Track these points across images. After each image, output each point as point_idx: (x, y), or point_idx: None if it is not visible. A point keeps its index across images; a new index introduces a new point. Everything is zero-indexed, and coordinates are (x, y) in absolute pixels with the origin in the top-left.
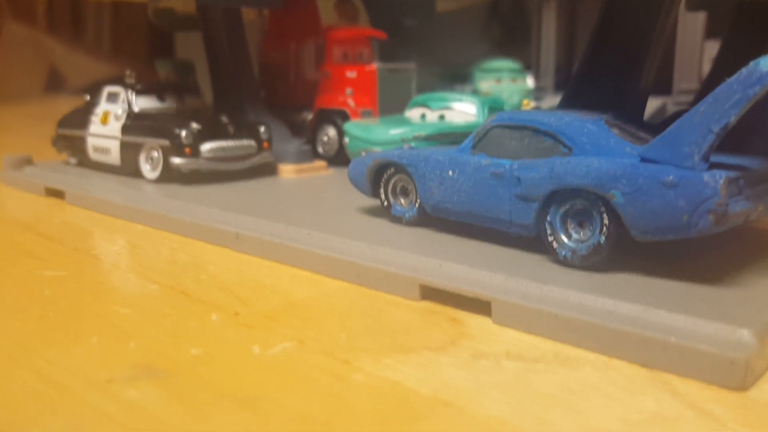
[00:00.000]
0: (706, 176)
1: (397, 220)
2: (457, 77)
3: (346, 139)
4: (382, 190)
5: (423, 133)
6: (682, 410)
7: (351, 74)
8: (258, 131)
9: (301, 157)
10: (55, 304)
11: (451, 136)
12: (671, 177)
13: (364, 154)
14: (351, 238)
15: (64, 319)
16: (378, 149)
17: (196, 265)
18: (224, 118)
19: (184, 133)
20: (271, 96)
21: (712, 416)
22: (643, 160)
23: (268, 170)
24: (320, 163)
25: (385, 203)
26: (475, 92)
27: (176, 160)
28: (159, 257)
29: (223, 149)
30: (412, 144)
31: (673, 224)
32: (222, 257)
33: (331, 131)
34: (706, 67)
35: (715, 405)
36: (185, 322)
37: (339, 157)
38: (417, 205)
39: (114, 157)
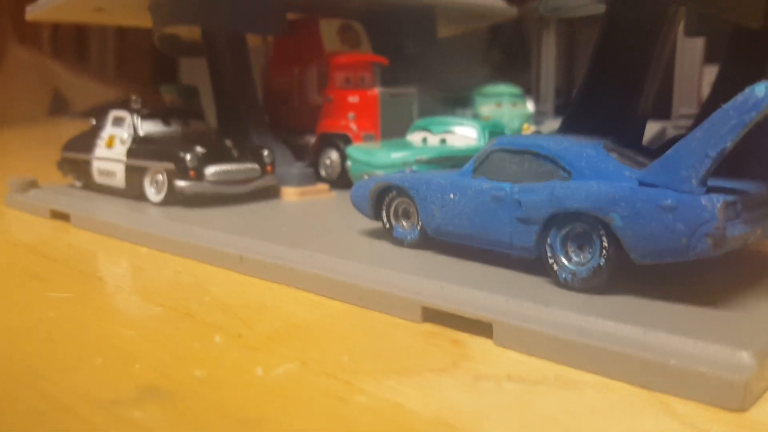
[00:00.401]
0: (704, 200)
1: (398, 242)
2: (458, 102)
3: (349, 163)
4: (384, 213)
5: (424, 156)
6: (681, 431)
7: (353, 99)
8: (261, 155)
9: (303, 180)
10: (60, 325)
11: (452, 160)
12: (669, 201)
13: (366, 177)
14: (353, 260)
15: (68, 341)
16: (380, 172)
17: (199, 287)
18: (228, 142)
19: (188, 156)
20: (274, 120)
21: None
22: (642, 184)
23: (271, 193)
24: (323, 186)
25: (387, 226)
26: (476, 116)
27: (181, 183)
28: (163, 279)
29: (227, 172)
30: (414, 167)
31: (672, 247)
32: (225, 279)
33: (334, 155)
34: (706, 92)
35: (714, 426)
36: (189, 343)
37: (341, 181)
38: (419, 227)
39: (119, 180)
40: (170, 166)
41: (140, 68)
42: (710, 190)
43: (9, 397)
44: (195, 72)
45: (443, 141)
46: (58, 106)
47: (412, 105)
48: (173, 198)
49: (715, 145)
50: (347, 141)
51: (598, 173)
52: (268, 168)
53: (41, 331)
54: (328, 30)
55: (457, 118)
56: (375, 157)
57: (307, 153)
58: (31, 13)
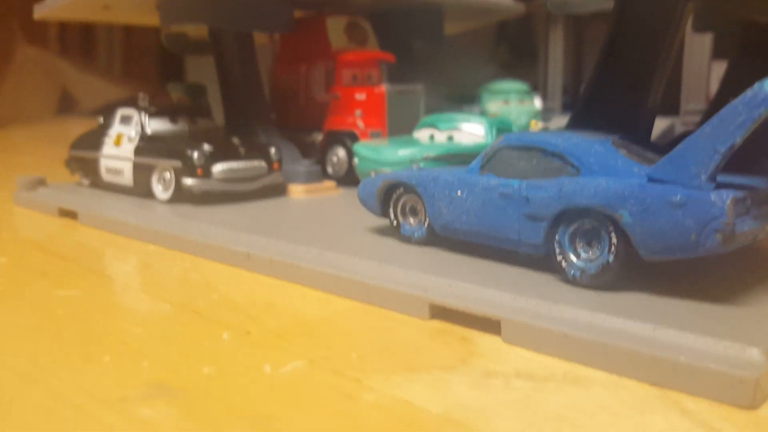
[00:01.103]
0: (713, 196)
1: (406, 239)
2: (465, 99)
3: (356, 160)
4: (391, 210)
5: (432, 153)
6: (691, 429)
7: (360, 96)
8: (268, 152)
9: (310, 178)
10: (69, 323)
11: (460, 157)
12: (679, 197)
13: (373, 174)
14: (361, 257)
15: (77, 339)
16: (387, 170)
17: (207, 285)
18: (235, 140)
19: (196, 154)
20: (281, 118)
21: None
22: (651, 180)
23: (278, 191)
24: (330, 184)
25: (395, 223)
26: (483, 113)
27: (188, 181)
28: (171, 277)
29: (234, 170)
30: (421, 164)
31: (681, 244)
32: (233, 277)
33: (341, 152)
34: (714, 88)
35: (724, 424)
36: (197, 341)
37: (348, 178)
38: (426, 224)
39: (127, 178)
40: (178, 164)
41: (147, 67)
42: (719, 185)
43: (18, 395)
44: (202, 70)
45: (450, 138)
46: (66, 105)
47: (419, 102)
48: (181, 196)
49: (725, 141)
50: (354, 138)
51: (606, 170)
52: (275, 165)
53: (50, 329)
54: (335, 27)
55: (464, 114)
56: (382, 155)
57: (314, 150)
58: (39, 12)
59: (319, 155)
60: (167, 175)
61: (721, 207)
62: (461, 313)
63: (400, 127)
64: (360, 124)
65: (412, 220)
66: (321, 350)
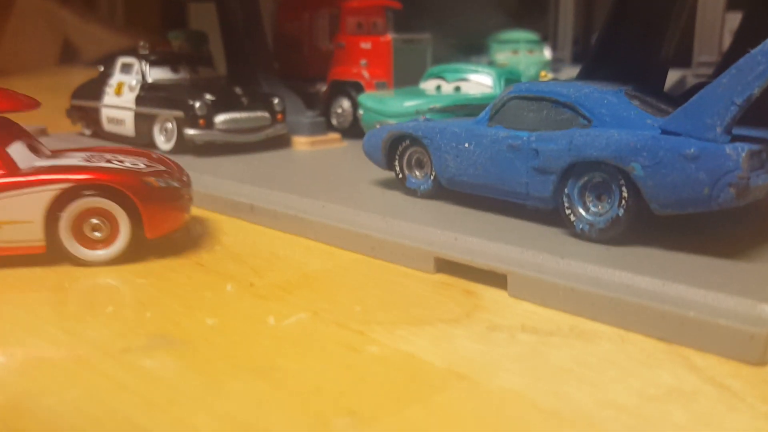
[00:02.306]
0: (728, 149)
1: (412, 192)
2: (472, 48)
3: (361, 111)
4: (397, 163)
5: (438, 105)
6: (700, 385)
7: (365, 45)
8: (272, 103)
9: (315, 130)
10: (71, 274)
11: (467, 108)
12: (692, 149)
13: (378, 126)
14: (365, 210)
15: (79, 289)
16: (393, 121)
17: (210, 237)
18: (238, 90)
19: (198, 104)
20: (284, 67)
21: (731, 391)
22: (664, 132)
23: (281, 142)
24: (334, 136)
25: (400, 176)
26: (491, 64)
27: (190, 132)
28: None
29: (237, 121)
30: (428, 116)
31: (694, 197)
32: (236, 229)
33: (345, 103)
34: (727, 40)
35: (733, 380)
36: (200, 292)
37: (353, 130)
38: (432, 177)
39: (128, 128)
40: (180, 114)
41: (150, 15)
42: (735, 138)
43: (20, 347)
44: (204, 18)
45: (458, 89)
46: (68, 55)
47: (425, 52)
48: (183, 146)
49: (742, 92)
50: (359, 89)
51: (619, 121)
52: (279, 116)
53: (52, 280)
54: None
55: (472, 65)
56: (388, 106)
57: (318, 101)
58: None
59: (323, 106)
60: (169, 125)
61: (736, 160)
62: (466, 267)
63: (407, 78)
64: (365, 74)
65: (417, 172)
66: (325, 303)
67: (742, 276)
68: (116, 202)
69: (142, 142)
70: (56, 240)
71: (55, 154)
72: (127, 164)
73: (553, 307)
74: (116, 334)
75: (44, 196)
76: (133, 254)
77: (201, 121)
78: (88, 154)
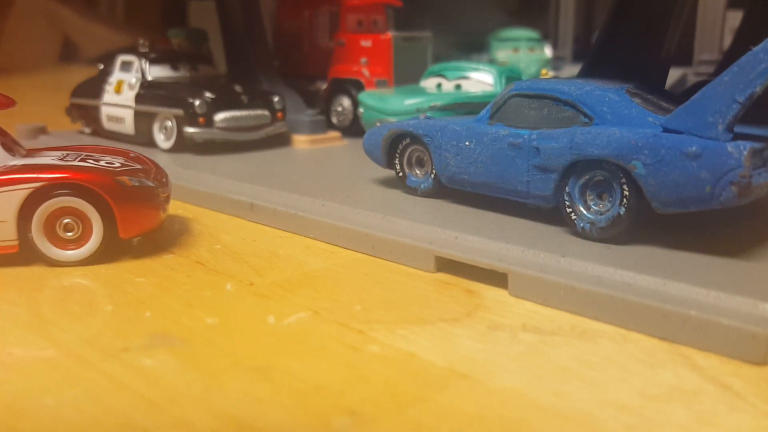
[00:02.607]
0: (730, 147)
1: (412, 191)
2: (473, 46)
3: (361, 110)
4: (397, 161)
5: (439, 103)
6: (701, 384)
7: (366, 43)
8: (272, 101)
9: (315, 128)
10: (71, 272)
11: (468, 106)
12: (694, 147)
13: (378, 124)
14: (366, 209)
15: (79, 288)
16: (393, 119)
17: (210, 235)
18: (238, 88)
19: (197, 102)
20: (284, 65)
21: (732, 390)
22: (666, 130)
23: (281, 140)
24: (334, 134)
25: (401, 174)
26: (492, 62)
27: (190, 130)
28: (174, 227)
29: (236, 119)
30: (428, 114)
31: (696, 196)
32: (236, 227)
33: (346, 101)
34: (727, 38)
35: (735, 379)
36: (201, 291)
37: (353, 128)
38: (433, 176)
39: (128, 126)
40: (179, 112)
41: (149, 13)
42: (737, 136)
43: (19, 345)
44: (204, 17)
45: (458, 87)
46: (68, 53)
47: (426, 50)
48: (183, 144)
49: (744, 90)
50: (359, 87)
51: (620, 119)
52: (279, 115)
53: (51, 278)
54: None
55: (472, 63)
56: (388, 104)
57: (319, 99)
58: None
59: (323, 104)
60: (169, 123)
61: (738, 158)
62: (467, 266)
63: (407, 76)
64: (365, 72)
65: (418, 171)
66: (325, 302)
67: (743, 275)
68: (89, 202)
69: (141, 140)
70: (29, 240)
71: (31, 152)
72: (102, 163)
73: (554, 306)
74: (116, 333)
75: (16, 195)
76: (132, 252)
77: (201, 119)
78: (64, 153)
